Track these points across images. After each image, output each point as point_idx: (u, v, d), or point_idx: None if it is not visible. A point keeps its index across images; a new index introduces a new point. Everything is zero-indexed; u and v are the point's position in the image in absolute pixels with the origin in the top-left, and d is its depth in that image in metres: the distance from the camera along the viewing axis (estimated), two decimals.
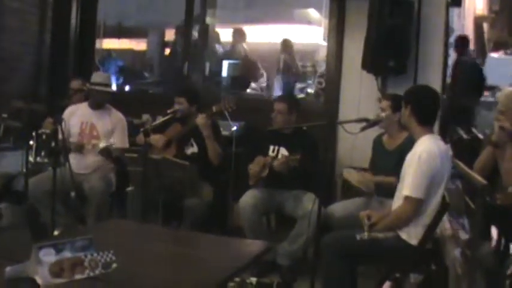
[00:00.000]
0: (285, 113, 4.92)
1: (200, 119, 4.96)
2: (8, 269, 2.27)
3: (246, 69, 8.39)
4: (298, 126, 4.90)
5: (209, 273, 2.68)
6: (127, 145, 5.42)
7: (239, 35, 8.54)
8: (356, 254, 3.70)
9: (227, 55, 8.90)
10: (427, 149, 3.60)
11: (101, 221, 4.86)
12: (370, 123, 4.35)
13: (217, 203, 5.14)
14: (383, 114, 4.47)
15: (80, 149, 5.19)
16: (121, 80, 8.56)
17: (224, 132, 5.39)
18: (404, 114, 3.80)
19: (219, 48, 9.35)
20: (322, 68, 6.30)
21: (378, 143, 4.78)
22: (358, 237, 3.64)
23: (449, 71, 8.24)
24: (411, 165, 3.62)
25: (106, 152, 5.09)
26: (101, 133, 5.33)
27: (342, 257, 3.67)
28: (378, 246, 3.65)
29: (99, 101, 5.42)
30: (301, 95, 7.09)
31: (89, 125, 5.38)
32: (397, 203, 3.74)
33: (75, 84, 5.98)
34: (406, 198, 3.60)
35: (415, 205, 3.58)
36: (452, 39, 8.90)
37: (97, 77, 5.48)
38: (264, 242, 3.60)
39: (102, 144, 5.02)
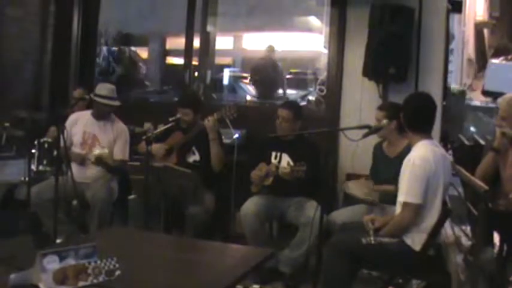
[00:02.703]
0: (290, 120, 4.92)
1: (209, 122, 4.96)
2: (12, 276, 2.27)
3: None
4: (300, 133, 4.91)
5: (211, 280, 2.68)
6: (126, 158, 5.41)
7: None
8: (360, 257, 3.70)
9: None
10: (420, 154, 3.63)
11: (103, 229, 4.86)
12: (371, 130, 4.35)
13: (219, 211, 5.14)
14: (384, 122, 4.48)
15: (81, 161, 5.20)
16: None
17: (226, 140, 5.39)
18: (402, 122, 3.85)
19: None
20: (323, 76, 6.30)
21: (378, 150, 4.79)
22: (364, 240, 3.65)
23: None
24: (406, 171, 3.65)
25: (100, 162, 5.08)
26: (103, 144, 5.33)
27: (345, 259, 3.67)
28: (383, 250, 3.65)
29: (103, 113, 5.41)
30: (303, 102, 7.10)
31: (91, 136, 5.37)
32: (398, 210, 3.75)
33: (77, 93, 6.00)
34: (404, 204, 3.61)
35: (413, 210, 3.59)
36: (453, 46, 8.92)
37: (102, 89, 5.40)
38: (266, 249, 3.60)
39: (95, 152, 5.03)
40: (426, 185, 3.57)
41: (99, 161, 5.08)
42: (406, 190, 3.59)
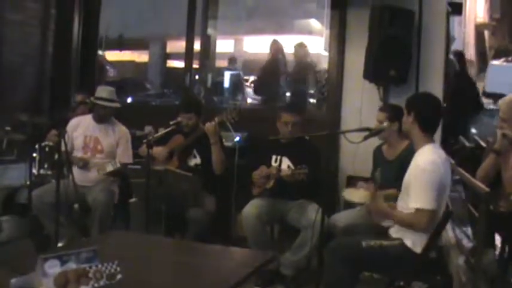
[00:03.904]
0: (297, 123, 4.92)
1: (210, 126, 4.96)
2: (13, 280, 2.28)
3: None
4: (300, 136, 4.90)
5: (212, 284, 2.69)
6: (131, 160, 5.42)
7: None
8: (361, 260, 3.68)
9: None
10: (430, 160, 3.56)
11: (104, 232, 4.86)
12: (372, 133, 4.35)
13: (220, 214, 5.13)
14: (385, 124, 4.47)
15: (84, 165, 5.21)
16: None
17: (226, 143, 5.38)
18: (406, 121, 3.76)
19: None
20: (323, 78, 6.31)
21: (377, 153, 4.78)
22: (364, 243, 3.63)
23: None
24: (417, 176, 3.57)
25: (113, 174, 5.11)
26: (105, 147, 5.35)
27: (346, 262, 3.65)
28: (383, 253, 3.63)
29: (104, 115, 5.42)
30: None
31: (92, 139, 5.38)
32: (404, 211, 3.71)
33: (80, 97, 6.01)
34: (419, 211, 3.51)
35: (429, 216, 3.50)
36: (453, 47, 8.92)
37: (102, 91, 5.43)
38: (268, 252, 3.60)
39: (109, 169, 5.03)
40: (438, 190, 3.53)
41: (113, 174, 5.12)
42: (422, 197, 3.51)
